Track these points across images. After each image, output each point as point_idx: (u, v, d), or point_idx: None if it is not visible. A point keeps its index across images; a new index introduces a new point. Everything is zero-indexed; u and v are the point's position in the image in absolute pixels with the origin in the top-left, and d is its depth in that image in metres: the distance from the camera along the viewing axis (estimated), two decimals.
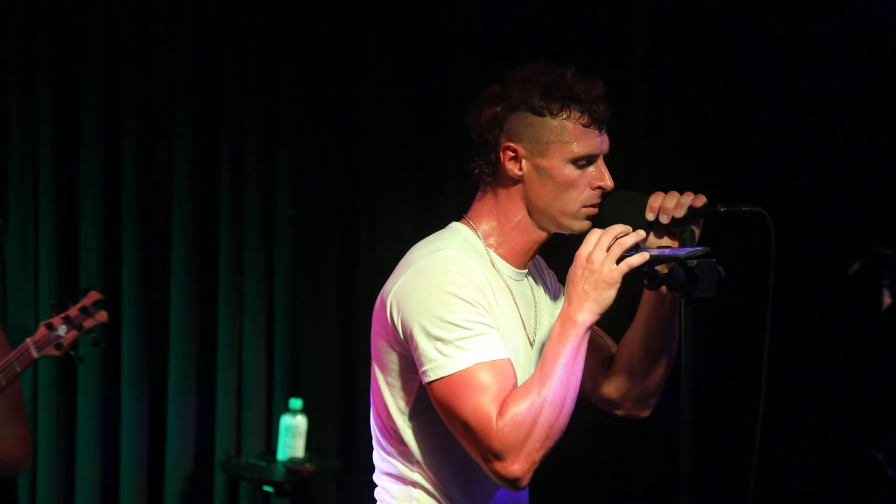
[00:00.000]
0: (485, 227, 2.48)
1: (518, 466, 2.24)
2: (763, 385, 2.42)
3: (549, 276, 2.71)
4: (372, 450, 2.55)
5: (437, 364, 2.29)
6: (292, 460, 4.85)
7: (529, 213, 2.46)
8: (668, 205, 2.42)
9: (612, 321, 2.48)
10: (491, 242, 2.48)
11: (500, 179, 2.46)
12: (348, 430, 5.16)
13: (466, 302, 2.31)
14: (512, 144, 2.41)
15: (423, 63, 5.22)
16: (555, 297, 2.67)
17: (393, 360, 2.41)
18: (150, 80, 4.78)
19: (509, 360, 2.32)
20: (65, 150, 4.64)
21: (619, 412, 2.72)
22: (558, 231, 2.48)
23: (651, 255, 2.34)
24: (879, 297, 5.47)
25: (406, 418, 2.43)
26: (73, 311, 3.40)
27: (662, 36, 5.58)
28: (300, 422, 4.87)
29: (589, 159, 2.42)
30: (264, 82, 4.99)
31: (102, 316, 3.45)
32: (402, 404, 2.43)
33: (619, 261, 2.32)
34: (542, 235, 2.49)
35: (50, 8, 4.56)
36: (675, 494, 2.37)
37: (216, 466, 4.97)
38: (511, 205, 2.46)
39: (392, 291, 2.38)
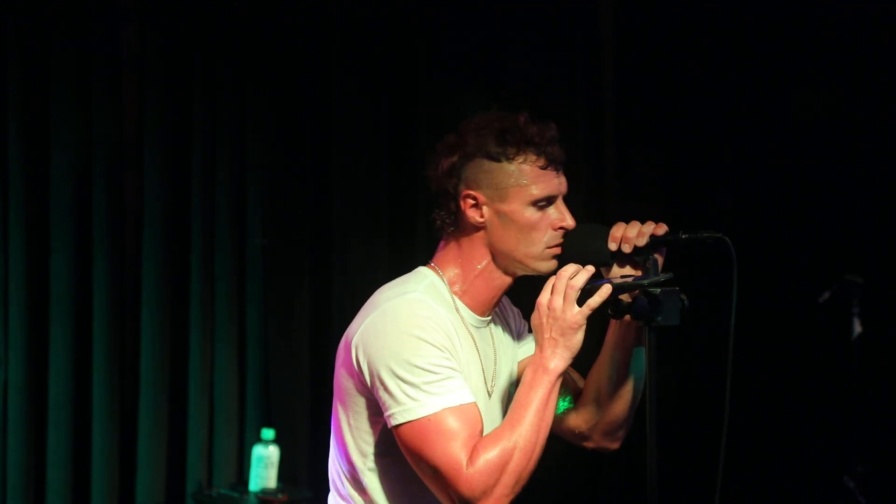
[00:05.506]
0: (450, 273, 2.49)
1: None
2: (726, 413, 2.43)
3: (514, 314, 2.72)
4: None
5: (405, 408, 2.29)
6: (264, 491, 4.82)
7: (494, 258, 2.47)
8: (629, 234, 2.43)
9: (585, 352, 2.47)
10: (456, 289, 2.48)
11: (463, 228, 2.47)
12: (321, 460, 5.11)
13: (433, 346, 2.31)
14: (472, 192, 2.43)
15: (393, 93, 5.23)
16: (518, 337, 2.68)
17: (358, 402, 2.41)
18: (120, 110, 4.77)
19: (475, 403, 2.33)
20: (35, 181, 4.61)
21: (589, 445, 2.71)
22: (525, 273, 2.48)
23: (614, 285, 2.35)
24: (850, 326, 5.49)
25: (367, 461, 2.43)
26: None
27: (631, 66, 5.62)
28: (272, 452, 4.85)
29: (548, 200, 2.43)
30: (235, 112, 4.99)
31: None
32: (365, 447, 2.43)
33: (581, 301, 2.33)
34: (507, 281, 2.50)
35: (18, 38, 4.55)
36: None
37: (188, 497, 4.93)
38: (475, 252, 2.47)
39: (357, 333, 2.38)
